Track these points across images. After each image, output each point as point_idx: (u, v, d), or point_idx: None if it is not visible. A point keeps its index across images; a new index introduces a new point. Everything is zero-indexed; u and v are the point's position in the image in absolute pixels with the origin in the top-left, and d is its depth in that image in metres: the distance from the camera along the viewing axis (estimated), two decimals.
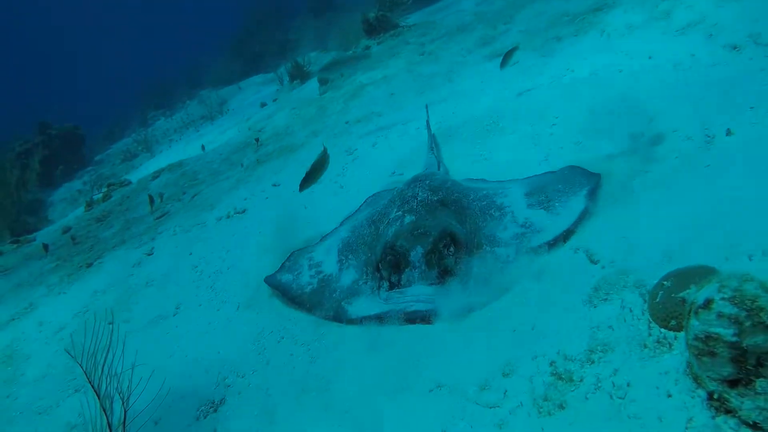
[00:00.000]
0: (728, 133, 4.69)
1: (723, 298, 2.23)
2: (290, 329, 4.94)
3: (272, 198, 8.20)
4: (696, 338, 2.30)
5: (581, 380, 2.86)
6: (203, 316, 5.86)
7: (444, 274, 4.28)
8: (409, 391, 3.63)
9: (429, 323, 4.15)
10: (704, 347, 2.26)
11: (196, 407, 4.48)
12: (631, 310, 3.10)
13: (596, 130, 5.86)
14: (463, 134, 7.45)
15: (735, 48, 6.27)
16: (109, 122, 28.32)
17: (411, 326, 4.20)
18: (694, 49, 6.65)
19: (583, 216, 4.45)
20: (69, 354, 3.84)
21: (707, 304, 2.27)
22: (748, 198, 3.76)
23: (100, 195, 12.94)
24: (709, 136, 4.78)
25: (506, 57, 7.55)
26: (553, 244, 4.31)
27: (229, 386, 4.59)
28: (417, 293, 4.26)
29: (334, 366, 4.28)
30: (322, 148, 5.69)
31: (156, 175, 12.46)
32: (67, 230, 11.29)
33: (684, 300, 2.64)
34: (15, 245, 12.37)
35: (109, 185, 13.59)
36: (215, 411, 4.39)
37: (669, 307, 2.74)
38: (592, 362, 2.92)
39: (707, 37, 6.84)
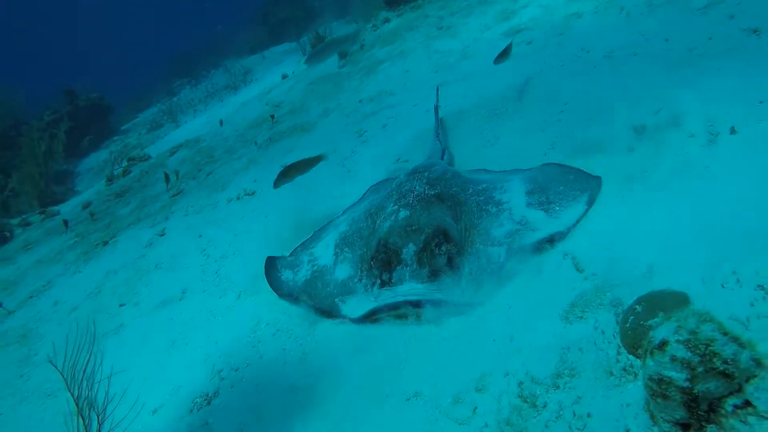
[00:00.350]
0: (732, 131, 4.47)
1: (678, 341, 2.17)
2: (285, 322, 4.99)
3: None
4: (651, 379, 2.25)
5: (544, 406, 2.83)
6: (206, 303, 5.95)
7: (435, 273, 4.25)
8: (389, 398, 3.65)
9: (417, 322, 4.16)
10: (658, 389, 2.22)
11: (192, 399, 4.59)
12: (603, 332, 3.04)
13: (601, 120, 5.68)
14: (473, 118, 7.33)
15: (755, 32, 5.98)
16: (136, 90, 28.52)
17: (398, 327, 4.21)
18: (712, 31, 6.37)
19: (580, 221, 4.36)
20: (52, 364, 3.94)
21: (662, 345, 2.21)
22: (742, 207, 3.62)
23: (120, 170, 13.14)
24: (712, 134, 4.54)
25: (501, 55, 7.35)
26: (545, 246, 4.26)
27: (223, 379, 4.68)
28: (408, 291, 4.25)
29: (323, 364, 4.32)
30: (318, 155, 5.92)
31: (173, 151, 12.58)
32: (87, 205, 11.53)
33: (650, 328, 2.57)
34: (41, 216, 12.72)
35: (129, 159, 13.78)
36: (208, 404, 4.48)
37: (637, 334, 2.67)
38: (557, 387, 2.89)
39: (728, 17, 6.54)
